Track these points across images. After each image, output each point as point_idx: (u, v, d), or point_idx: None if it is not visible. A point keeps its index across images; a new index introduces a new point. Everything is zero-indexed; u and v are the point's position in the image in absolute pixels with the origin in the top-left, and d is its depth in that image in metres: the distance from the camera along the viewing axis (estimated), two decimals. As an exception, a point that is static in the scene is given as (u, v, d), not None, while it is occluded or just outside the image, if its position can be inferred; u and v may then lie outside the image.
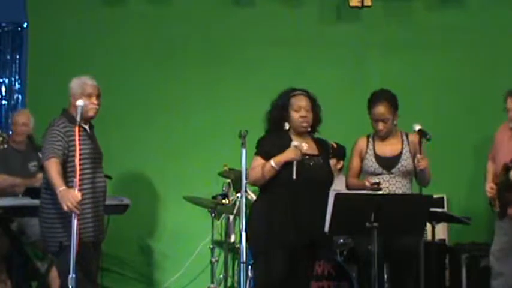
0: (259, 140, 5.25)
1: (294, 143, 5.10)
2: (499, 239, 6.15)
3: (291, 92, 5.26)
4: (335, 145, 6.49)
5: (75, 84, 5.33)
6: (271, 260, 5.01)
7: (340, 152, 6.70)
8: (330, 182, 5.32)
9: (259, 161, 5.14)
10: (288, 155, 5.06)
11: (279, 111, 5.22)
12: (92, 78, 5.39)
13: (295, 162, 5.03)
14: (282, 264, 5.04)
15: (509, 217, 6.02)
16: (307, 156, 5.15)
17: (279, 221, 5.04)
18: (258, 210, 5.12)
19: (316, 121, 5.32)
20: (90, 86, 5.32)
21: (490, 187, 6.10)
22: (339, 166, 6.85)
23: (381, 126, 5.62)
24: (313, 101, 5.29)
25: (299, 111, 5.19)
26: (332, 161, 6.93)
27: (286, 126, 5.20)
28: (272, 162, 5.06)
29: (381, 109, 5.61)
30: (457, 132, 7.40)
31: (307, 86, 7.30)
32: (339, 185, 6.57)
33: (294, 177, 4.99)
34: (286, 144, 5.12)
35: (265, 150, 5.11)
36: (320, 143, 5.35)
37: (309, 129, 5.29)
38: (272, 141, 5.13)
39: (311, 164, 5.16)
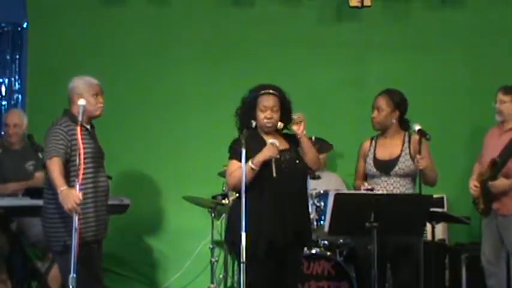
0: (231, 144, 5.22)
1: (270, 140, 5.10)
2: (487, 240, 6.17)
3: (260, 90, 5.20)
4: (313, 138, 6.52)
5: (80, 83, 5.30)
6: (260, 262, 5.00)
7: (322, 146, 6.66)
8: (305, 173, 5.39)
9: (235, 165, 5.11)
10: (266, 153, 5.05)
11: (247, 109, 5.19)
12: (93, 78, 5.40)
13: (273, 160, 5.03)
14: (270, 264, 5.04)
15: (494, 213, 6.05)
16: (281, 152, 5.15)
17: (266, 221, 5.03)
18: (240, 213, 5.04)
19: (286, 119, 5.24)
20: (96, 85, 5.33)
21: (473, 185, 6.15)
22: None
23: (374, 113, 5.63)
24: (282, 99, 5.22)
25: (265, 111, 5.16)
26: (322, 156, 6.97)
27: (253, 124, 5.18)
28: (251, 163, 5.04)
29: (379, 99, 5.65)
30: (457, 132, 7.41)
31: (307, 86, 7.40)
32: (330, 182, 6.60)
33: (274, 174, 4.99)
34: (259, 144, 5.11)
35: (239, 153, 5.05)
36: (288, 137, 5.32)
37: (281, 127, 5.24)
38: (244, 143, 5.05)
39: (287, 157, 5.17)
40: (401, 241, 5.42)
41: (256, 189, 5.05)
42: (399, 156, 5.62)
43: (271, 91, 5.19)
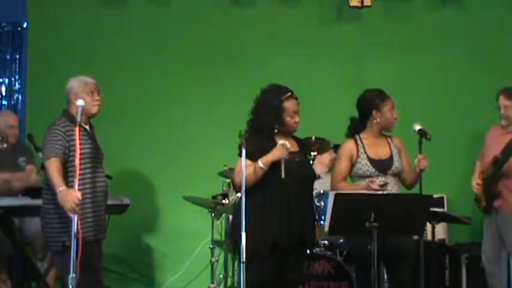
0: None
1: (281, 141, 5.09)
2: (488, 239, 6.19)
3: (283, 95, 5.17)
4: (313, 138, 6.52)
5: (75, 83, 5.34)
6: (263, 261, 5.01)
7: (322, 146, 6.67)
8: (314, 176, 5.40)
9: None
10: (276, 153, 5.04)
11: (273, 115, 5.14)
12: (89, 77, 5.41)
13: (283, 161, 5.02)
14: (273, 264, 5.05)
15: (495, 212, 6.06)
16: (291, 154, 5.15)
17: (272, 221, 5.03)
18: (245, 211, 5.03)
19: None
20: (91, 84, 5.35)
21: (476, 183, 6.16)
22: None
23: (395, 114, 5.64)
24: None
25: (293, 117, 5.18)
26: (330, 155, 6.96)
27: (277, 129, 5.17)
28: (260, 162, 5.03)
29: (393, 101, 5.67)
30: (457, 132, 7.41)
31: (307, 85, 7.38)
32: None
33: (283, 175, 4.98)
34: (269, 145, 5.09)
35: (249, 152, 5.02)
36: (297, 140, 5.34)
37: None
38: (254, 143, 5.07)
39: (297, 159, 5.17)
40: (399, 241, 5.42)
41: (263, 189, 5.06)
42: (391, 155, 5.63)
43: (291, 93, 5.20)
